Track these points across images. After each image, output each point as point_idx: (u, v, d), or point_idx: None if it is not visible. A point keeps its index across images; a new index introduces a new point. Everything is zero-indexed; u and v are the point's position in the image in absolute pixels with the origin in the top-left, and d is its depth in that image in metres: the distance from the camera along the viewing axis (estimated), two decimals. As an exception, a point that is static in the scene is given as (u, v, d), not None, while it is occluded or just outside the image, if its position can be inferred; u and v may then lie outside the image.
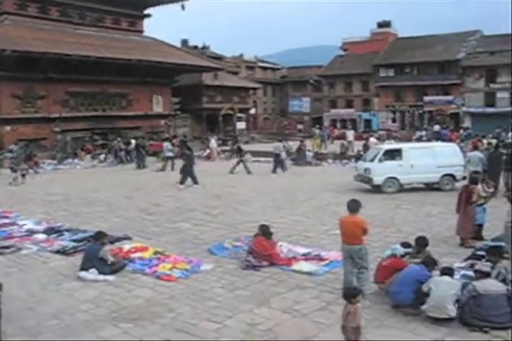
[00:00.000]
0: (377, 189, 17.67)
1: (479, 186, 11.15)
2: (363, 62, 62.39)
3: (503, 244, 8.67)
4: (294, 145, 29.67)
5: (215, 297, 7.94)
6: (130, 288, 8.47)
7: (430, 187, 18.22)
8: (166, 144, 26.93)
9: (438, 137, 32.98)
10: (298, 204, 16.12)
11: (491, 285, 6.80)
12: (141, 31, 42.02)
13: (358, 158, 23.39)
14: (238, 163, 24.94)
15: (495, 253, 7.88)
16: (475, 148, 18.89)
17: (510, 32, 52.22)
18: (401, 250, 8.28)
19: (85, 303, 7.78)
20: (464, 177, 16.58)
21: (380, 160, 17.72)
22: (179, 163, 22.38)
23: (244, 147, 29.73)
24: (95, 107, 35.38)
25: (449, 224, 12.00)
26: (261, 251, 9.52)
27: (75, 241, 11.29)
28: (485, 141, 23.25)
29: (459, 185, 14.64)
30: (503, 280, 7.15)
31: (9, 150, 27.29)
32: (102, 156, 31.36)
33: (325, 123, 61.22)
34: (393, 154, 18.08)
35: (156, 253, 10.13)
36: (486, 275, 7.07)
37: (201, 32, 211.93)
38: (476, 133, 34.11)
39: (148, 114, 39.15)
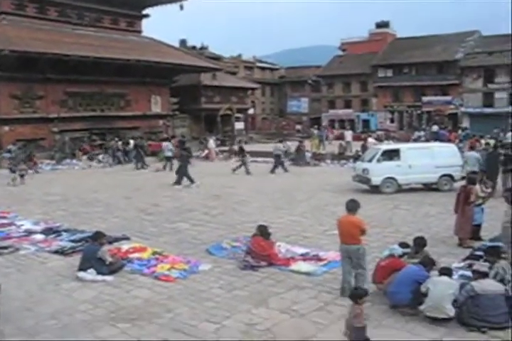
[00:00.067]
0: (375, 189, 17.69)
1: (477, 186, 11.17)
2: (361, 63, 62.43)
3: (500, 244, 8.69)
4: (292, 145, 29.69)
5: (214, 297, 7.94)
6: (128, 288, 8.47)
7: (428, 187, 18.23)
8: (167, 144, 26.89)
9: (436, 137, 32.98)
10: (296, 204, 16.12)
11: (489, 285, 6.81)
12: (140, 31, 42.03)
13: (357, 158, 23.42)
14: (242, 163, 24.89)
15: (493, 253, 7.89)
16: (471, 148, 18.90)
17: (508, 32, 52.35)
18: (399, 250, 8.30)
19: (83, 303, 7.78)
20: (463, 178, 16.59)
21: (379, 161, 17.73)
22: (177, 163, 22.36)
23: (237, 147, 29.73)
24: (94, 107, 35.37)
25: (447, 224, 12.01)
26: (259, 252, 9.52)
27: (73, 241, 11.28)
28: (483, 141, 23.25)
29: (458, 185, 14.65)
30: (501, 281, 7.16)
31: (7, 151, 27.30)
32: (100, 156, 31.37)
33: (323, 123, 61.28)
34: (391, 154, 18.09)
35: (154, 253, 10.13)
36: (484, 275, 7.08)
37: (200, 32, 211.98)
38: (474, 133, 34.17)
39: (146, 114, 39.15)
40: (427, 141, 32.27)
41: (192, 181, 20.22)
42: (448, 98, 56.52)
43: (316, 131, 39.23)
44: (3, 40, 28.66)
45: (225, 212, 14.88)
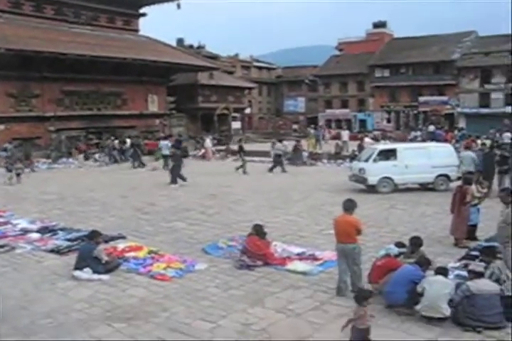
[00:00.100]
0: (371, 189, 17.71)
1: (473, 186, 11.19)
2: (358, 63, 62.47)
3: (496, 244, 8.70)
4: (289, 145, 29.69)
5: (209, 296, 7.94)
6: (124, 287, 8.46)
7: (425, 187, 18.27)
8: (166, 143, 26.85)
9: (433, 137, 33.03)
10: (292, 203, 16.13)
11: (485, 285, 6.83)
12: (137, 30, 42.00)
13: (353, 158, 23.43)
14: (244, 162, 24.85)
15: (488, 253, 7.91)
16: (466, 147, 18.94)
17: (505, 32, 52.48)
18: (395, 250, 8.31)
19: (79, 302, 7.77)
20: (459, 178, 16.62)
21: (375, 161, 17.76)
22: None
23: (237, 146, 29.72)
24: (90, 106, 35.31)
25: (443, 224, 12.04)
26: (255, 251, 9.52)
27: (69, 240, 11.26)
28: (479, 142, 23.30)
29: (454, 185, 14.68)
30: (497, 280, 7.18)
31: (3, 149, 27.22)
32: (96, 155, 31.34)
33: (320, 123, 61.31)
34: (388, 154, 18.11)
35: (150, 252, 10.12)
36: (480, 275, 7.09)
37: (197, 31, 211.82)
38: (470, 133, 34.22)
39: (143, 113, 39.11)
40: (424, 141, 32.30)
41: (183, 179, 20.27)
42: (444, 98, 56.62)
43: (312, 131, 39.25)
44: (0, 39, 28.56)
45: (221, 212, 14.88)
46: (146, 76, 38.27)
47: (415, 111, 58.31)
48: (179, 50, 45.87)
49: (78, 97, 34.53)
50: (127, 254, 9.98)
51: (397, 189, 17.75)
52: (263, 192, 18.55)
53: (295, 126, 63.81)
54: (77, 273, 8.90)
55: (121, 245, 10.68)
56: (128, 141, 31.21)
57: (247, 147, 28.37)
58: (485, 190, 12.71)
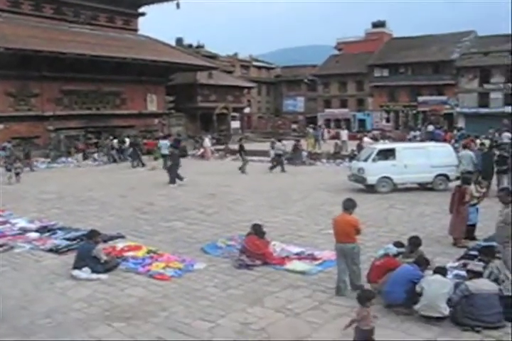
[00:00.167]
0: (370, 189, 17.71)
1: (472, 186, 11.20)
2: (357, 62, 62.48)
3: (495, 243, 8.71)
4: (288, 144, 29.66)
5: (208, 296, 7.94)
6: (123, 286, 8.46)
7: (424, 187, 18.27)
8: (165, 142, 26.79)
9: (432, 137, 33.00)
10: (291, 203, 16.13)
11: (483, 285, 6.83)
12: (136, 30, 41.96)
13: (352, 157, 23.44)
14: (245, 162, 24.82)
15: (487, 253, 7.91)
16: (464, 147, 18.95)
17: (504, 32, 52.51)
18: (394, 250, 8.31)
19: (78, 302, 7.77)
20: (458, 178, 16.63)
21: (374, 160, 17.76)
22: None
23: (237, 146, 29.68)
24: (89, 106, 35.27)
25: (442, 224, 12.04)
26: (254, 250, 9.52)
27: (68, 239, 11.26)
28: (478, 142, 23.29)
29: (453, 185, 14.68)
30: (495, 280, 7.18)
31: (2, 148, 27.19)
32: (95, 155, 31.33)
33: (319, 122, 61.32)
34: (387, 154, 18.11)
35: (149, 252, 10.12)
36: (479, 274, 7.10)
37: (196, 30, 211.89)
38: (469, 133, 34.21)
39: (142, 113, 39.08)
40: (422, 140, 32.29)
41: (180, 179, 20.29)
42: (443, 98, 56.66)
43: (311, 131, 39.23)
44: (-1, 38, 28.56)
45: (220, 211, 14.88)
46: (145, 75, 38.23)
47: (414, 111, 58.33)
48: (178, 49, 45.84)
49: (77, 97, 34.49)
50: (126, 254, 9.98)
51: (396, 189, 17.75)
52: (262, 191, 18.55)
53: (294, 126, 63.80)
54: (76, 272, 8.89)
55: (120, 244, 10.68)
56: (127, 140, 31.20)
57: (246, 147, 28.30)
58: (484, 190, 12.74)
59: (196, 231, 12.28)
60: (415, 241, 8.52)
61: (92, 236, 9.42)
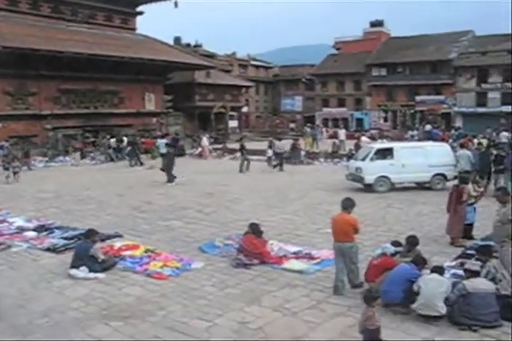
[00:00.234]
0: (368, 188, 17.72)
1: (469, 186, 11.21)
2: (355, 62, 62.50)
3: (492, 243, 8.73)
4: (286, 143, 29.64)
5: (206, 295, 7.94)
6: (121, 285, 8.46)
7: (421, 186, 18.29)
8: (164, 141, 26.73)
9: (429, 137, 33.00)
10: (289, 202, 16.14)
11: (481, 284, 6.85)
12: (134, 29, 41.87)
13: (350, 157, 23.46)
14: (247, 161, 24.83)
15: (484, 252, 7.93)
16: (462, 146, 18.96)
17: (502, 32, 52.57)
18: (391, 249, 8.33)
19: (76, 301, 7.77)
20: (455, 177, 16.65)
21: (372, 159, 17.77)
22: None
23: (235, 145, 29.67)
24: (87, 104, 35.19)
25: (439, 223, 12.05)
26: (251, 250, 9.52)
27: (65, 238, 11.25)
28: (475, 141, 23.30)
29: (450, 184, 14.71)
30: (492, 279, 7.20)
31: (0, 147, 27.14)
32: (93, 154, 31.30)
33: (317, 122, 61.37)
34: (385, 153, 18.12)
35: (147, 251, 10.12)
36: (476, 274, 7.12)
37: (194, 30, 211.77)
38: (467, 133, 34.25)
39: (140, 112, 39.02)
40: (420, 140, 32.31)
41: (172, 179, 20.29)
42: (441, 97, 56.72)
43: (308, 130, 39.20)
44: (-4, 36, 28.48)
45: (217, 210, 14.88)
46: (143, 74, 38.17)
47: (412, 111, 58.36)
48: (176, 48, 45.75)
49: (75, 95, 34.40)
50: (124, 253, 9.98)
51: (393, 188, 17.76)
52: (260, 190, 18.55)
53: (292, 125, 63.83)
54: (74, 271, 8.89)
55: (117, 243, 10.68)
56: (125, 139, 31.18)
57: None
58: (481, 189, 12.76)
59: (194, 231, 12.28)
60: (413, 241, 8.52)
61: (90, 235, 9.42)
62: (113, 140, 31.55)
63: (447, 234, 10.85)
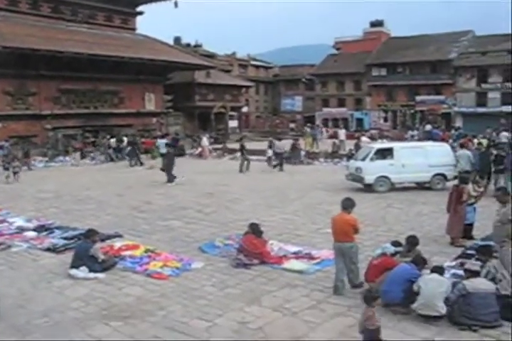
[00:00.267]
0: (368, 188, 17.72)
1: (470, 186, 11.21)
2: (355, 62, 62.49)
3: (492, 243, 8.73)
4: (286, 143, 29.63)
5: (206, 295, 7.94)
6: (121, 285, 8.46)
7: (421, 186, 18.29)
8: (164, 141, 26.70)
9: (429, 137, 33.00)
10: (289, 202, 16.13)
11: (481, 284, 6.85)
12: (134, 29, 41.88)
13: (350, 157, 23.45)
14: (247, 161, 24.82)
15: (484, 252, 7.93)
16: (462, 146, 18.97)
17: (501, 32, 52.56)
18: (391, 249, 8.33)
19: (75, 301, 7.76)
20: (455, 177, 16.64)
21: (372, 159, 17.77)
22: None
23: (235, 145, 29.67)
24: (87, 104, 35.20)
25: (439, 223, 12.05)
26: (251, 249, 9.52)
27: (65, 238, 11.25)
28: (475, 141, 23.30)
29: (450, 184, 14.71)
30: (492, 279, 7.20)
31: (0, 147, 27.14)
32: (93, 154, 31.30)
33: (317, 122, 61.36)
34: (384, 153, 18.12)
35: (147, 251, 10.12)
36: (476, 274, 7.11)
37: (194, 30, 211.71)
38: (467, 133, 34.24)
39: (140, 112, 39.02)
40: (420, 140, 32.30)
41: (172, 179, 20.29)
42: (441, 97, 56.72)
43: (308, 130, 39.17)
44: (-4, 36, 28.48)
45: (217, 210, 14.88)
46: (143, 74, 38.17)
47: (412, 111, 58.35)
48: (176, 48, 45.75)
49: (75, 95, 34.41)
50: (124, 253, 9.98)
51: (393, 188, 17.76)
52: (260, 190, 18.55)
53: (292, 125, 63.82)
54: (74, 271, 8.89)
55: (117, 243, 10.68)
56: (125, 139, 31.18)
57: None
58: (481, 189, 12.75)
59: (194, 231, 12.28)
60: (413, 241, 8.52)
61: (90, 235, 9.41)
62: (113, 140, 31.56)
63: (447, 234, 10.85)
